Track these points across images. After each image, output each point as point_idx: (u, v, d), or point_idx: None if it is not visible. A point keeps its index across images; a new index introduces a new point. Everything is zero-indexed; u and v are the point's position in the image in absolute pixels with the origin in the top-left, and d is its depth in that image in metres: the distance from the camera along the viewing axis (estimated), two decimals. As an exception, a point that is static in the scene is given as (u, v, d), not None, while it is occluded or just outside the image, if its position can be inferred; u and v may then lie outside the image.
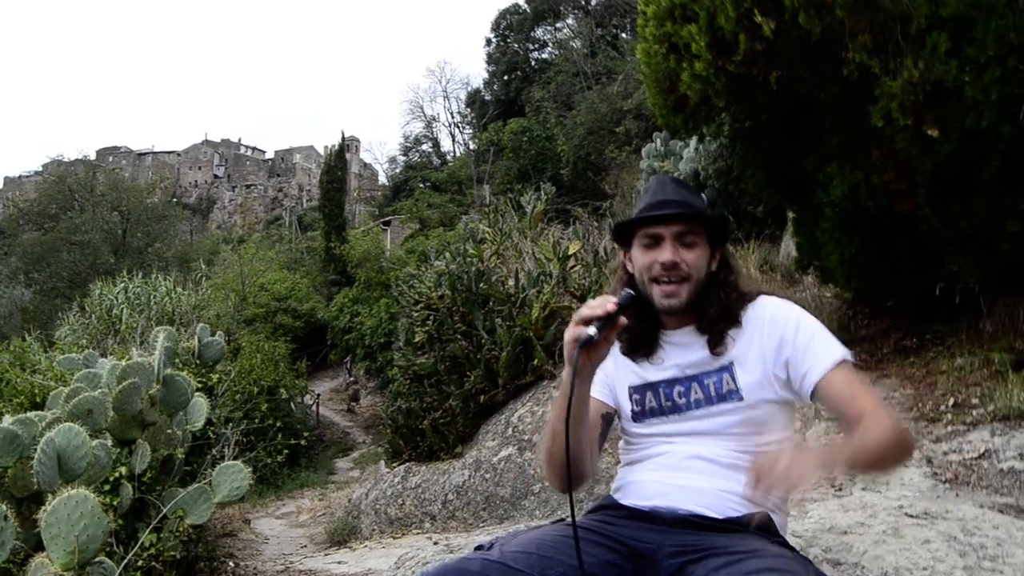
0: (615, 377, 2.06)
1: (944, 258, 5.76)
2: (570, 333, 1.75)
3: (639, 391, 2.00)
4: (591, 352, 1.75)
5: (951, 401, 4.66)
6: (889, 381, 5.35)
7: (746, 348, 1.91)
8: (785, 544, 1.78)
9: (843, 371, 1.81)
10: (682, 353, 1.95)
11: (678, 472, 1.87)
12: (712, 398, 1.90)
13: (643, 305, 1.94)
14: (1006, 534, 2.33)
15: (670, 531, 1.77)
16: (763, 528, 1.78)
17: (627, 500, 1.91)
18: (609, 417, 2.06)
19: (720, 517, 1.77)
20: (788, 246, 9.55)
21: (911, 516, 2.50)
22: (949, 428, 4.28)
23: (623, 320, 1.76)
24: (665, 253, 1.91)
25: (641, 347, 2.01)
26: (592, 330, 1.71)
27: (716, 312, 1.93)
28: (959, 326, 5.69)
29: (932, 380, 5.13)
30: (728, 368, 1.90)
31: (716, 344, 1.92)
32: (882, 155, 5.09)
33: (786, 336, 1.88)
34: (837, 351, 1.83)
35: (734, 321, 1.94)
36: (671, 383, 1.95)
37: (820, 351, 1.84)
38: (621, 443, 2.13)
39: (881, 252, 6.06)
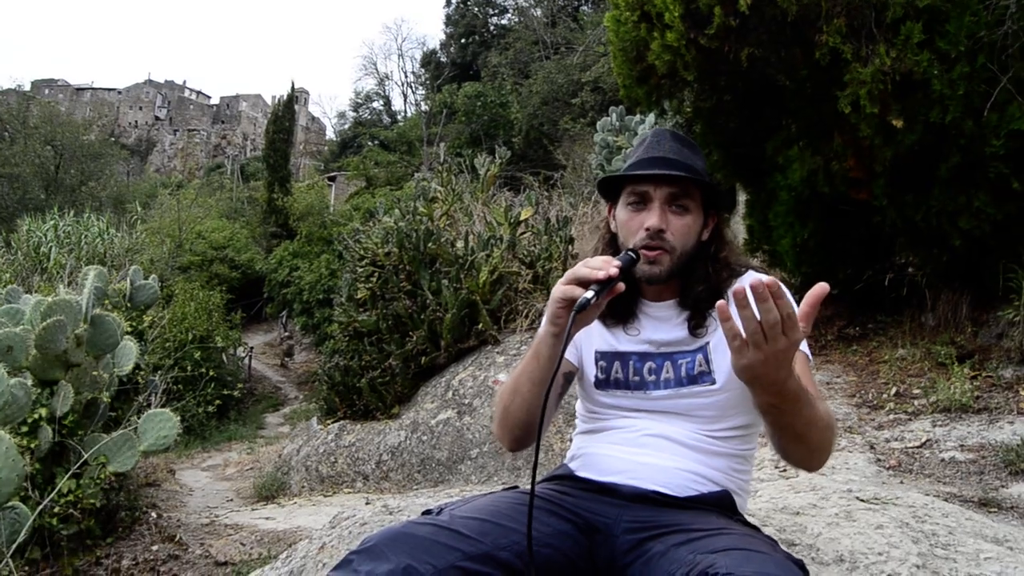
0: (583, 336, 1.91)
1: (894, 249, 5.83)
2: (561, 291, 1.59)
3: (607, 358, 1.87)
4: (581, 316, 1.58)
5: (893, 390, 4.72)
6: (832, 367, 5.41)
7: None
8: (747, 523, 1.72)
9: (802, 360, 1.67)
10: (659, 328, 1.81)
11: (640, 448, 1.77)
12: (683, 379, 1.78)
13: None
14: (956, 522, 2.32)
15: (628, 506, 1.69)
16: (724, 507, 1.72)
17: (584, 472, 1.81)
18: (571, 376, 1.93)
19: (681, 496, 1.70)
20: (736, 228, 9.61)
21: (862, 500, 2.48)
22: (891, 417, 4.33)
23: (621, 285, 1.59)
24: (652, 217, 1.74)
25: (616, 313, 1.84)
26: (590, 294, 1.55)
27: (702, 291, 1.78)
28: (902, 317, 5.78)
29: (875, 369, 5.20)
30: (703, 349, 1.77)
31: (697, 325, 1.77)
32: (844, 142, 5.10)
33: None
34: (803, 344, 1.67)
35: (718, 300, 1.80)
36: (643, 357, 1.82)
37: None
38: (579, 406, 2.02)
39: (833, 239, 6.10)
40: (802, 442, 1.57)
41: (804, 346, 1.68)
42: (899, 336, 5.60)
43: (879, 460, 3.76)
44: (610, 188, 1.90)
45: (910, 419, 4.26)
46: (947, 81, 4.52)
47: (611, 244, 1.88)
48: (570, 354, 1.90)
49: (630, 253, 1.71)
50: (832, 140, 5.17)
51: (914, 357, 5.18)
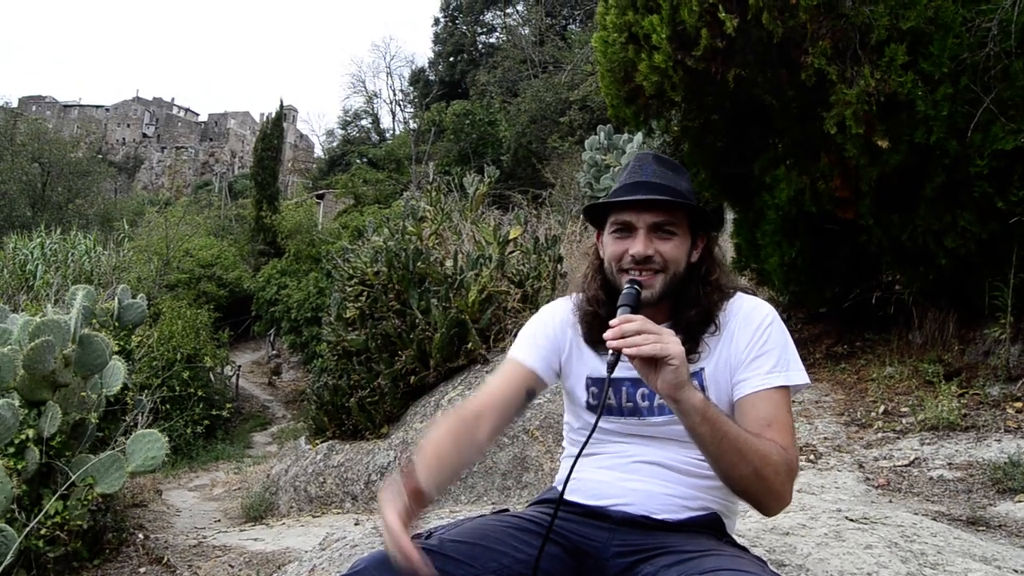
0: (571, 357, 1.91)
1: (881, 268, 5.88)
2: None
3: (598, 384, 1.86)
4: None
5: (881, 408, 4.75)
6: (821, 386, 5.43)
7: (718, 354, 1.77)
8: (736, 544, 1.73)
9: (775, 396, 1.69)
10: None
11: (630, 475, 1.77)
12: None
13: (612, 295, 1.77)
14: (944, 542, 2.34)
15: (617, 530, 1.69)
16: (714, 528, 1.73)
17: (573, 496, 1.79)
18: (533, 393, 1.90)
19: (672, 520, 1.70)
20: (724, 247, 9.66)
21: (851, 520, 2.50)
22: (880, 435, 4.36)
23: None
24: (637, 245, 1.73)
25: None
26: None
27: (694, 315, 1.78)
28: (890, 336, 5.82)
29: (863, 387, 5.23)
30: (698, 375, 1.76)
31: (691, 351, 1.74)
32: (831, 162, 5.14)
33: (751, 340, 1.75)
34: (780, 377, 1.70)
35: (711, 325, 1.79)
36: (636, 383, 1.79)
37: (765, 368, 1.71)
38: (567, 427, 2.03)
39: (820, 258, 6.15)
40: (725, 466, 1.57)
41: (781, 379, 1.71)
42: (887, 354, 5.63)
43: (868, 479, 3.78)
44: (596, 215, 1.90)
45: (898, 437, 4.29)
46: (931, 102, 4.57)
47: (600, 271, 1.87)
48: (542, 368, 1.90)
49: (635, 287, 1.69)
50: (819, 160, 5.22)
51: (902, 375, 5.21)
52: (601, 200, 1.88)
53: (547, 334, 1.93)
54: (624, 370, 1.72)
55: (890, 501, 3.45)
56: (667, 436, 1.77)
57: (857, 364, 5.76)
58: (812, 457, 4.21)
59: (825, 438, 4.48)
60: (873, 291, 5.88)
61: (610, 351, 1.55)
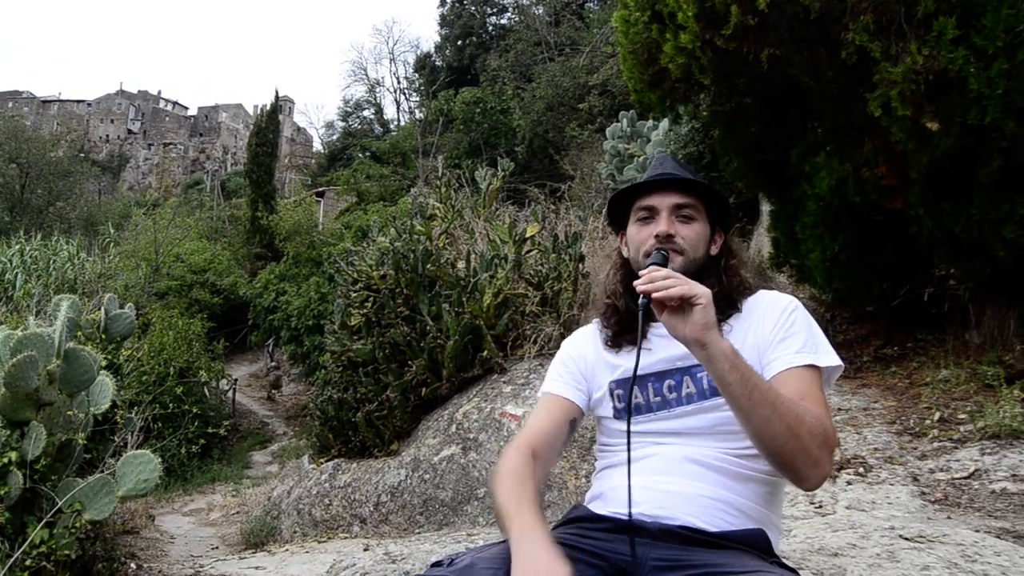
0: (595, 371, 2.03)
1: (933, 262, 5.83)
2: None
3: (622, 386, 1.95)
4: None
5: (937, 416, 4.71)
6: (869, 392, 5.40)
7: (743, 336, 1.88)
8: (784, 565, 1.73)
9: (806, 374, 1.79)
10: (672, 343, 1.82)
11: (664, 476, 1.81)
12: (705, 392, 1.85)
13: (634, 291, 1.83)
14: (1009, 562, 2.32)
15: (654, 544, 1.71)
16: (759, 547, 1.73)
17: (606, 508, 1.85)
18: (576, 423, 2.03)
19: (713, 530, 1.72)
20: (760, 241, 9.63)
21: (906, 539, 2.48)
22: (935, 444, 4.32)
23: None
24: (661, 224, 1.92)
25: (627, 337, 1.99)
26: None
27: (716, 294, 1.81)
28: (944, 336, 5.77)
29: (916, 392, 5.19)
30: None
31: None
32: (875, 147, 5.12)
33: (776, 323, 1.87)
34: (810, 357, 1.80)
35: (733, 306, 1.94)
36: (661, 376, 1.90)
37: (794, 347, 1.82)
38: (597, 446, 2.06)
39: (866, 252, 6.11)
40: (760, 427, 1.63)
41: (811, 358, 1.81)
42: (941, 356, 5.59)
43: (923, 493, 3.76)
44: (619, 215, 2.09)
45: (956, 447, 4.25)
46: (985, 79, 4.53)
47: (621, 268, 2.06)
48: (577, 396, 2.03)
49: (661, 252, 1.87)
50: (862, 145, 5.20)
51: (958, 379, 5.17)
52: (626, 184, 2.08)
53: (572, 356, 2.10)
54: (646, 367, 1.89)
55: (948, 517, 3.43)
56: (699, 430, 1.85)
57: (909, 367, 5.72)
58: (862, 470, 4.19)
59: (875, 449, 4.46)
60: (925, 287, 5.85)
61: (640, 297, 1.71)
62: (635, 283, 1.71)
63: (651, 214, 1.95)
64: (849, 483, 3.98)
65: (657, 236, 1.91)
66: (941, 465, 4.06)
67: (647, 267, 1.77)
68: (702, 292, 1.64)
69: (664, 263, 1.82)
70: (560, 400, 2.01)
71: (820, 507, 3.48)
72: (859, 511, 3.41)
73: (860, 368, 5.92)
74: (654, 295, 1.65)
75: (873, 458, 4.32)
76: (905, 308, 6.08)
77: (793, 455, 1.63)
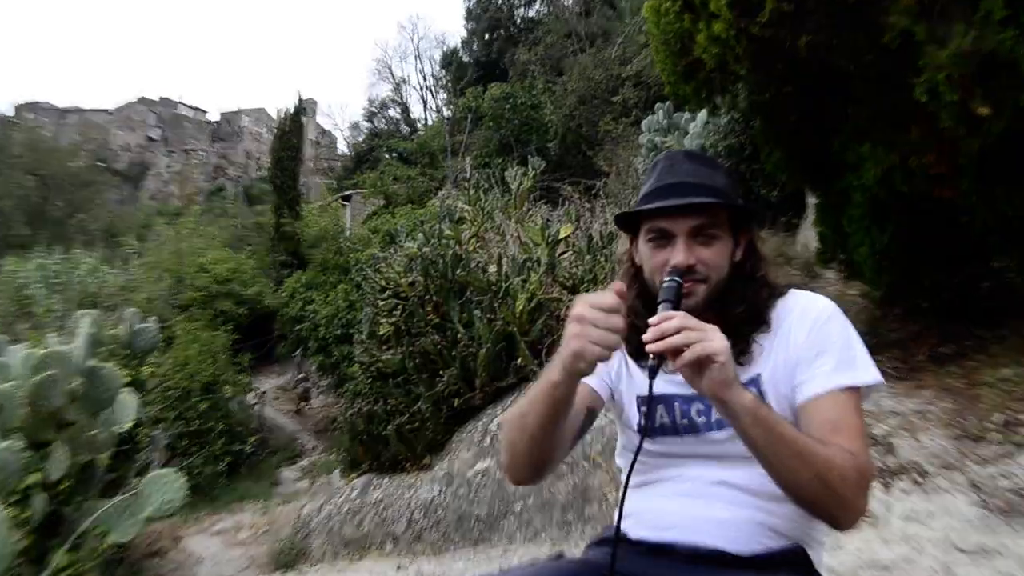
0: (622, 375, 1.97)
1: (989, 252, 5.75)
2: (583, 340, 1.58)
3: (646, 403, 1.84)
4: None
5: (998, 418, 4.64)
6: (924, 393, 5.33)
7: (774, 355, 1.80)
8: (825, 583, 1.72)
9: (841, 397, 1.69)
10: None
11: (697, 500, 1.79)
12: None
13: (652, 303, 1.77)
14: (1073, 575, 2.29)
15: (689, 568, 1.70)
16: (799, 565, 1.72)
17: (637, 532, 1.83)
18: (595, 413, 1.97)
19: (748, 553, 1.71)
20: (807, 236, 9.54)
21: (964, 552, 2.46)
22: (997, 449, 4.26)
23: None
24: (678, 254, 1.77)
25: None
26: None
27: (743, 313, 1.81)
28: (1005, 331, 5.68)
29: (975, 393, 5.11)
30: (756, 380, 1.79)
31: (742, 352, 1.78)
32: (923, 134, 5.06)
33: (809, 335, 1.77)
34: (847, 376, 1.71)
35: (762, 323, 1.83)
36: (689, 399, 1.83)
37: (829, 366, 1.72)
38: (620, 458, 2.05)
39: (917, 244, 6.02)
40: (780, 475, 1.59)
41: (848, 378, 1.71)
42: (1002, 353, 5.49)
43: (984, 502, 3.70)
44: (628, 222, 1.94)
45: (1020, 452, 4.18)
46: (1037, 60, 4.47)
47: (636, 279, 1.91)
48: (599, 386, 1.96)
49: (675, 285, 1.71)
50: (908, 133, 5.13)
51: (1021, 378, 5.08)
52: (630, 209, 1.91)
53: None
54: (674, 385, 1.81)
55: (1012, 528, 3.38)
56: (732, 454, 1.76)
57: (967, 366, 5.63)
58: (918, 478, 4.14)
59: (932, 455, 4.40)
60: (981, 279, 5.76)
61: (651, 356, 1.60)
62: (644, 337, 1.59)
63: (664, 236, 1.81)
64: (904, 492, 3.93)
65: (675, 267, 1.75)
66: (1003, 472, 4.00)
67: (659, 303, 1.68)
68: (719, 349, 1.54)
69: (678, 300, 1.69)
70: (582, 385, 1.86)
71: (873, 519, 3.44)
72: (914, 522, 3.37)
73: (914, 368, 5.83)
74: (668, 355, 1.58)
75: (929, 465, 4.27)
76: (962, 303, 5.99)
77: (823, 502, 1.59)
